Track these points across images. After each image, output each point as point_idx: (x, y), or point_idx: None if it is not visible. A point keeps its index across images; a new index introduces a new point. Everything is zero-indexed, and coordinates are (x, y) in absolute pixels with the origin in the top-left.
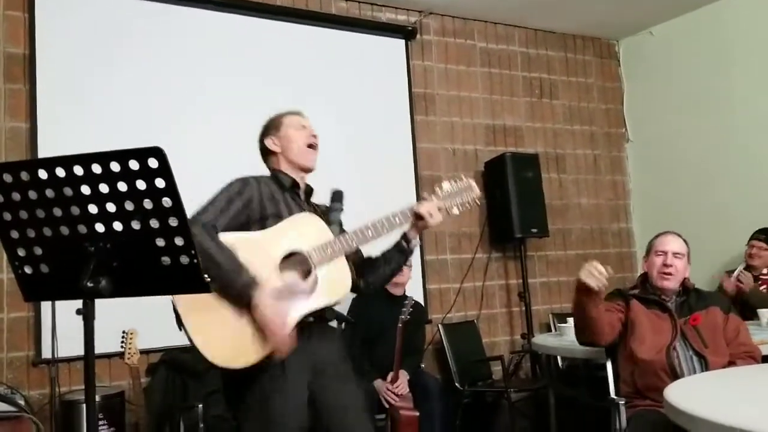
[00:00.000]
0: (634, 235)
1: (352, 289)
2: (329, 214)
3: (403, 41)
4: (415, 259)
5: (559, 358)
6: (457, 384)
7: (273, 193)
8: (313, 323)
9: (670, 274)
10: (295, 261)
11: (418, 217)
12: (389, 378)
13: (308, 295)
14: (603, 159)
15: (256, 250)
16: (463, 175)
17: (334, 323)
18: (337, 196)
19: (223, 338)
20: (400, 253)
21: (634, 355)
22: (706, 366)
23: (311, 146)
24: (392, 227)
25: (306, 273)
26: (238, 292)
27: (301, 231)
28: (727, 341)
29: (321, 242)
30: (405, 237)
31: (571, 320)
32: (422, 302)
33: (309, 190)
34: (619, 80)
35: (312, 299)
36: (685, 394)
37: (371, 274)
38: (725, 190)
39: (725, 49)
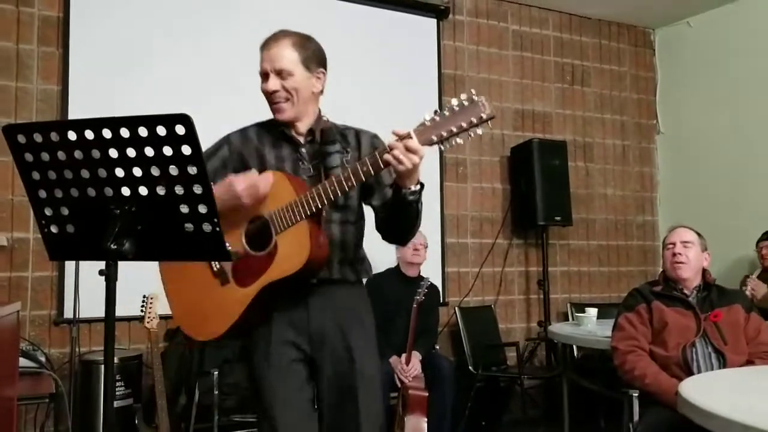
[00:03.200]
0: (658, 228)
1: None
2: (324, 160)
3: (434, 20)
4: (435, 241)
5: (574, 347)
6: (470, 367)
7: (261, 145)
8: (315, 286)
9: (681, 262)
10: (260, 225)
11: (386, 163)
12: (403, 358)
13: (265, 267)
14: (632, 150)
15: (225, 213)
16: (472, 91)
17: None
18: (327, 136)
19: (194, 311)
20: (398, 206)
21: (653, 353)
22: (724, 363)
23: (271, 101)
24: (361, 177)
25: (269, 238)
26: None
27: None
28: (748, 340)
29: (283, 204)
30: (395, 186)
31: (589, 310)
32: (440, 285)
33: (323, 134)
34: (653, 70)
35: (269, 271)
36: (701, 389)
37: (383, 231)
38: (756, 187)
39: (764, 43)
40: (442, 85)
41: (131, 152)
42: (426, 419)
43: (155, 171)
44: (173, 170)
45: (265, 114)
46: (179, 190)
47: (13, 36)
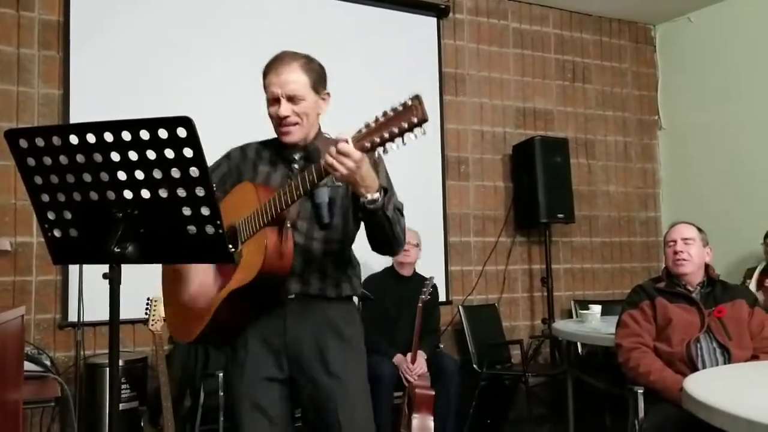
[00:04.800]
0: (661, 224)
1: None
2: (313, 194)
3: (435, 19)
4: (438, 240)
5: (579, 344)
6: (475, 366)
7: (259, 160)
8: (293, 300)
9: (683, 259)
10: (231, 234)
11: (325, 171)
12: (408, 357)
13: (232, 273)
14: (634, 146)
15: None
16: (411, 93)
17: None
18: (311, 156)
19: (177, 313)
20: (364, 216)
21: (658, 349)
22: (729, 359)
23: (280, 125)
24: (307, 186)
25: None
26: None
27: (237, 202)
28: (752, 335)
29: (249, 213)
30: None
31: (593, 307)
32: (444, 283)
33: (309, 150)
34: (654, 66)
35: (233, 279)
36: (706, 385)
37: (370, 243)
38: (759, 182)
39: (764, 37)
40: (443, 84)
41: (133, 155)
42: (433, 418)
43: (157, 174)
44: (175, 173)
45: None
46: (181, 192)
47: (14, 40)
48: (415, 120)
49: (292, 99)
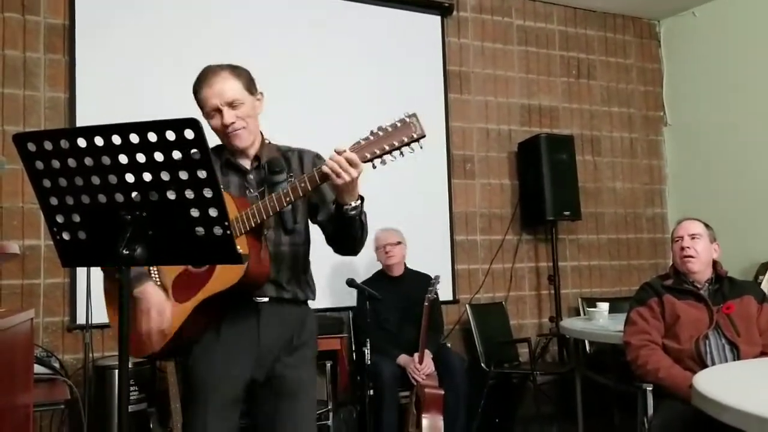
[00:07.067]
0: (668, 220)
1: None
2: (272, 187)
3: (439, 18)
4: (445, 238)
5: (587, 342)
6: (483, 365)
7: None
8: (267, 304)
9: (690, 256)
10: None
11: (325, 177)
12: (415, 357)
13: (204, 282)
14: (640, 142)
15: None
16: (407, 112)
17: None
18: (274, 165)
19: (134, 326)
20: (340, 221)
21: (666, 346)
22: (738, 355)
23: (227, 133)
24: (299, 193)
25: None
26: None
27: None
28: (761, 331)
29: None
30: (336, 203)
31: (600, 305)
32: (450, 282)
33: (270, 163)
34: (659, 62)
35: (207, 285)
36: (715, 382)
37: (333, 245)
38: (765, 176)
39: None
40: (447, 82)
41: (141, 158)
42: (442, 417)
43: (165, 176)
44: (183, 174)
45: (277, 121)
46: (189, 194)
47: (20, 44)
48: (415, 135)
49: (232, 104)
